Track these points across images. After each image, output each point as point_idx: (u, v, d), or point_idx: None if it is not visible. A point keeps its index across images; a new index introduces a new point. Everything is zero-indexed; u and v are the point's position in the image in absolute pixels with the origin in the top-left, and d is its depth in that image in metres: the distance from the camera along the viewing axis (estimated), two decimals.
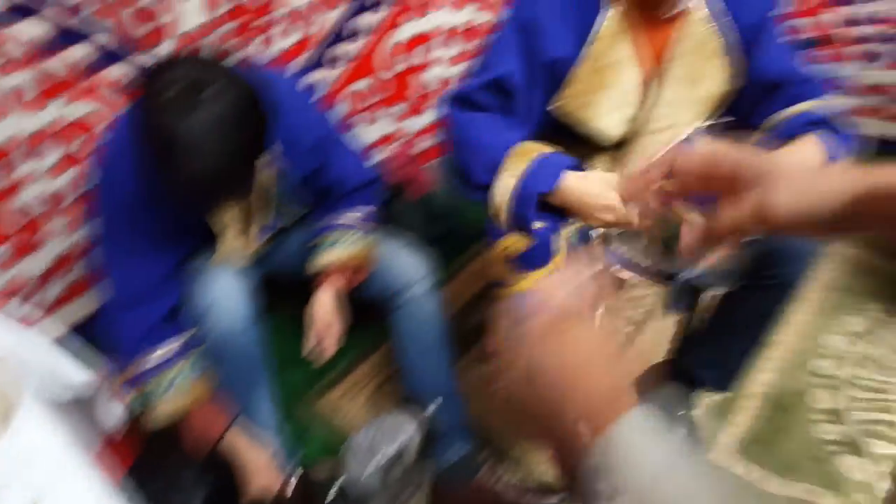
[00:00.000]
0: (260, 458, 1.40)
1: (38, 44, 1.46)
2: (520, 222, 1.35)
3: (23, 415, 0.93)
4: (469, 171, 1.37)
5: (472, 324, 1.62)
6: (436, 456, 1.55)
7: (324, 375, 1.89)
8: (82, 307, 1.88)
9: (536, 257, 1.35)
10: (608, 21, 1.30)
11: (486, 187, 1.35)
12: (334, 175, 1.54)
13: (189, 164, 1.07)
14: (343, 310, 1.56)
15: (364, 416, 1.80)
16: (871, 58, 2.53)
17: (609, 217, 1.28)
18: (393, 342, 1.62)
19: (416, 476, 1.45)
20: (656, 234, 1.41)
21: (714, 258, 1.27)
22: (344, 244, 1.54)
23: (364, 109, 2.20)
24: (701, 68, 1.36)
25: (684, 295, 1.38)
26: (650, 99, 1.38)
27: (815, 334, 2.04)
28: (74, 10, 1.48)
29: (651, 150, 1.40)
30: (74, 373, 1.20)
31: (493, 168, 1.34)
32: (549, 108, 1.39)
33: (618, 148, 1.46)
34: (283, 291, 1.76)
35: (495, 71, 1.35)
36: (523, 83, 1.35)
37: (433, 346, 1.60)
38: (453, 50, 2.25)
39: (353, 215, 1.58)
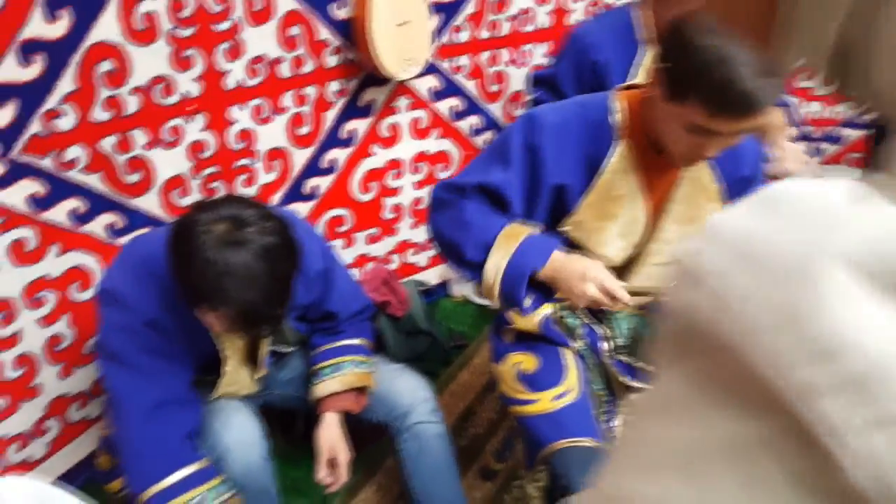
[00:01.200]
0: None
1: (36, 199, 1.52)
2: (510, 299, 1.40)
3: None
4: (461, 248, 1.42)
5: (468, 438, 1.68)
6: None
7: (328, 502, 1.89)
8: (76, 451, 1.85)
9: (548, 375, 1.45)
10: (618, 156, 1.35)
11: (478, 265, 1.40)
12: (333, 303, 1.60)
13: (245, 294, 1.15)
14: (347, 435, 1.59)
15: None
16: None
17: (592, 292, 1.33)
18: (400, 466, 1.65)
19: None
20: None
21: None
22: (345, 370, 1.59)
23: (340, 235, 2.30)
24: (700, 210, 1.43)
25: None
26: (653, 233, 1.45)
27: None
28: (69, 164, 1.56)
29: (648, 280, 1.48)
30: None
31: (485, 246, 1.39)
32: (555, 229, 1.45)
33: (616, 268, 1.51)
34: (277, 418, 1.79)
35: (493, 178, 1.40)
36: (520, 199, 1.41)
37: (442, 468, 1.63)
38: (422, 173, 2.41)
39: (351, 341, 1.64)
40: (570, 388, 1.43)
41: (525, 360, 1.48)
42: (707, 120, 1.18)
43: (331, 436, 1.54)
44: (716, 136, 1.21)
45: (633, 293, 1.35)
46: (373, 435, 1.81)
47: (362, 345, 1.65)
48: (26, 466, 1.75)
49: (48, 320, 1.65)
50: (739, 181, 1.44)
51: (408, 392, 1.64)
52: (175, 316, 1.33)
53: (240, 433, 1.41)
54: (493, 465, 1.95)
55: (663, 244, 1.46)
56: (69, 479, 1.85)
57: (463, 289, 2.66)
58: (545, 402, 1.41)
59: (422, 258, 2.57)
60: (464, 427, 2.09)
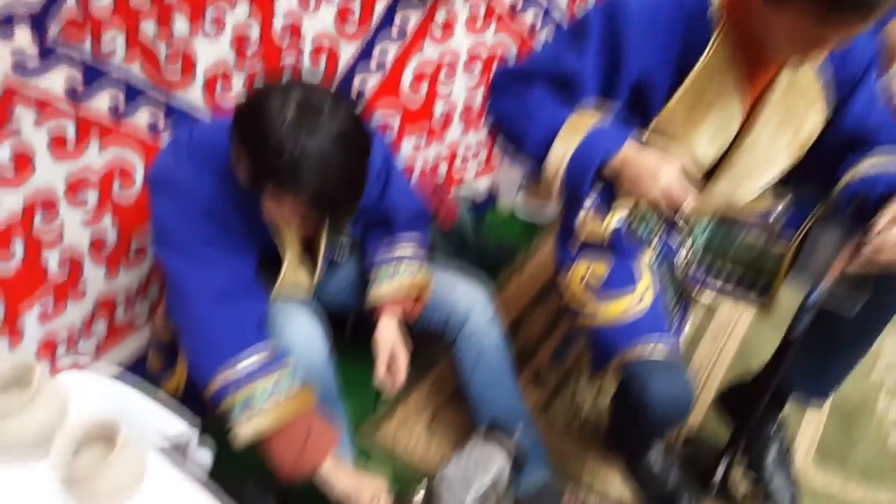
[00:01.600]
0: (366, 489, 1.32)
1: (73, 90, 1.43)
2: (573, 193, 1.32)
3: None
4: (523, 138, 1.33)
5: (515, 351, 1.63)
6: (517, 483, 1.54)
7: (378, 406, 1.87)
8: (125, 354, 1.84)
9: (619, 283, 1.37)
10: (714, 50, 1.22)
11: (540, 156, 1.31)
12: (391, 203, 1.53)
13: (319, 179, 1.09)
14: (405, 339, 1.54)
15: (424, 444, 1.79)
16: None
17: (659, 195, 1.23)
18: (457, 372, 1.61)
19: (505, 501, 1.44)
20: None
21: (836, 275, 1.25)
22: (402, 275, 1.52)
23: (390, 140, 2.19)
24: (797, 114, 1.31)
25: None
26: (744, 137, 1.33)
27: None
28: (108, 55, 1.45)
29: (735, 188, 1.38)
30: (169, 422, 1.17)
31: (550, 135, 1.29)
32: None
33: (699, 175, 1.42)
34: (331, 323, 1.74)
35: (566, 65, 1.28)
36: (595, 90, 1.29)
37: (501, 375, 1.59)
38: (475, 74, 2.26)
39: (407, 245, 1.57)
40: (642, 295, 1.35)
41: (593, 269, 1.40)
42: (815, 23, 1.03)
43: (389, 336, 1.49)
44: (824, 40, 1.07)
45: (712, 205, 1.26)
46: (426, 340, 1.76)
47: (419, 250, 1.58)
48: (75, 369, 1.73)
49: (91, 218, 1.58)
50: (846, 83, 1.30)
51: (466, 299, 1.58)
52: (234, 207, 1.26)
53: (302, 332, 1.35)
54: (545, 372, 1.90)
55: (754, 150, 1.34)
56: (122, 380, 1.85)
57: (511, 202, 2.56)
58: (616, 310, 1.34)
59: (470, 168, 2.45)
60: (512, 341, 2.03)
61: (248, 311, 1.29)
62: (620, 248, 1.38)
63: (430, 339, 1.95)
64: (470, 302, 1.58)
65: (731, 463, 1.59)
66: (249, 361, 1.23)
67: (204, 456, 1.25)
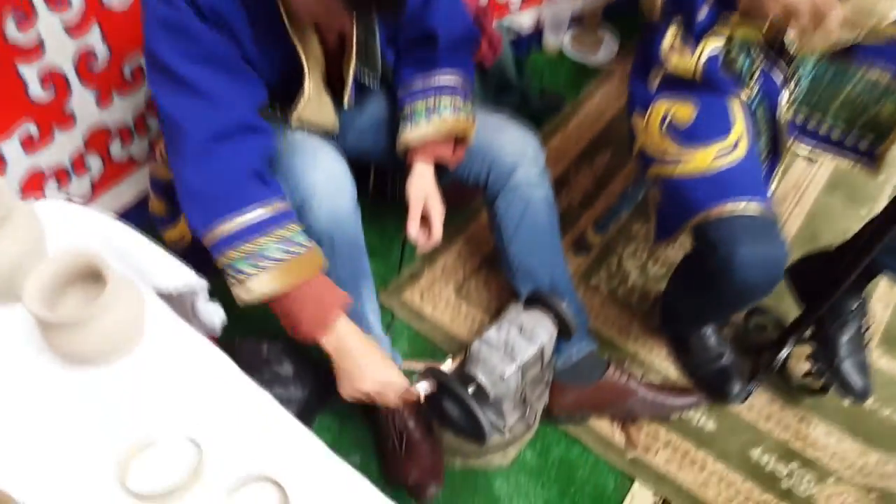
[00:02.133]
0: (378, 356, 1.15)
1: None
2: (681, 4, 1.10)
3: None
4: None
5: (560, 209, 1.43)
6: (560, 354, 1.39)
7: (403, 268, 1.70)
8: (124, 195, 1.65)
9: (709, 127, 1.14)
10: None
11: None
12: (434, 20, 1.25)
13: None
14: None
15: (453, 311, 1.63)
16: None
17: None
18: (496, 231, 1.41)
19: (548, 375, 1.29)
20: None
21: None
22: (443, 111, 1.27)
23: None
24: None
25: None
26: None
27: None
28: None
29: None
30: (173, 269, 0.99)
31: None
32: None
33: None
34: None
35: None
36: None
37: (547, 235, 1.39)
38: None
39: (451, 74, 1.30)
40: (736, 142, 1.12)
41: (678, 109, 1.17)
42: None
43: (424, 186, 1.28)
44: None
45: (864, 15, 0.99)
46: (456, 197, 1.55)
47: (463, 84, 1.32)
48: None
49: (76, 28, 1.34)
50: None
51: (513, 147, 1.35)
52: (243, 10, 1.01)
53: (327, 173, 1.14)
54: (591, 237, 1.70)
55: None
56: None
57: (559, 40, 2.26)
58: (703, 159, 1.12)
59: None
60: (557, 197, 1.83)
61: (248, 157, 1.06)
62: (713, 84, 1.14)
63: (463, 196, 1.77)
64: (519, 149, 1.35)
65: (797, 342, 1.43)
66: (249, 217, 1.02)
67: (215, 311, 1.09)
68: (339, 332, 1.07)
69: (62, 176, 1.50)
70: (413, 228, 1.27)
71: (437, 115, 1.27)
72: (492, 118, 1.39)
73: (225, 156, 1.02)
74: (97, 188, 1.60)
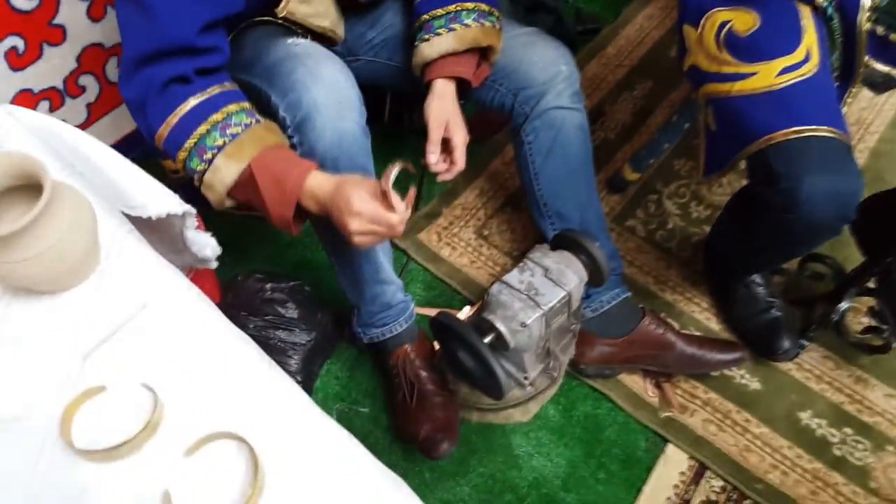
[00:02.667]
0: (348, 192, 0.92)
1: None
2: None
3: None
4: None
5: (595, 143, 1.27)
6: (590, 301, 1.26)
7: (420, 204, 1.56)
8: (123, 121, 1.53)
9: (773, 37, 0.97)
10: None
11: None
12: None
13: None
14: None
15: (473, 252, 1.50)
16: None
17: None
18: (522, 162, 1.26)
19: (575, 324, 1.16)
20: None
21: None
22: (465, 21, 1.10)
23: None
24: None
25: None
26: None
27: None
28: None
29: None
30: (154, 193, 0.87)
31: None
32: None
33: None
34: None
35: None
36: None
37: (580, 167, 1.24)
38: None
39: None
40: (806, 56, 0.95)
41: (737, 18, 1.00)
42: None
43: (445, 108, 1.12)
44: None
45: None
46: (478, 127, 1.40)
47: None
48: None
49: None
50: None
51: (545, 65, 1.19)
52: None
53: (329, 87, 1.00)
54: (627, 174, 1.54)
55: None
56: (119, 152, 1.55)
57: None
58: (767, 75, 0.96)
59: None
60: (591, 130, 1.67)
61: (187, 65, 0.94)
62: None
63: (486, 126, 1.62)
64: (551, 67, 1.19)
65: (858, 294, 1.27)
66: (184, 108, 0.93)
67: (206, 241, 0.97)
68: (309, 196, 0.94)
69: (55, 97, 1.39)
70: (434, 155, 1.12)
71: (458, 24, 1.10)
72: (521, 32, 1.23)
73: (145, 80, 0.92)
74: (94, 112, 1.48)
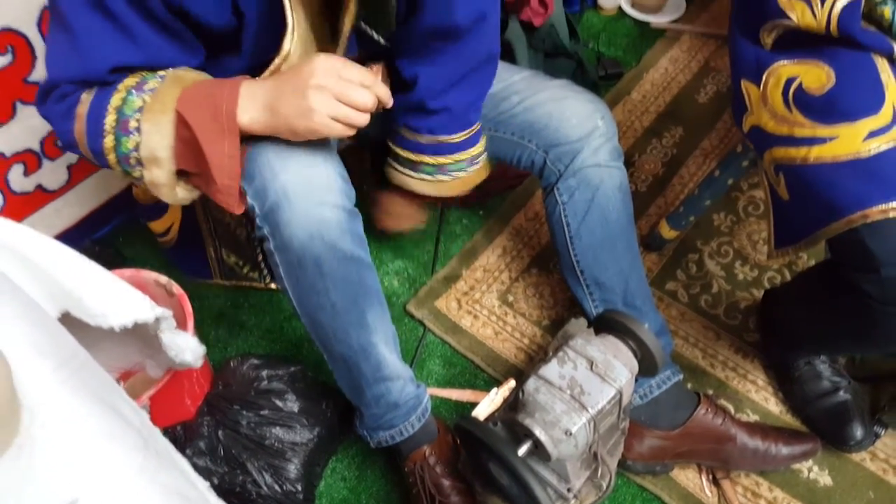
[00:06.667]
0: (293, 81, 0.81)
1: None
2: None
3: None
4: None
5: None
6: (638, 385, 1.10)
7: (438, 266, 1.41)
8: (106, 183, 1.40)
9: (853, 95, 0.82)
10: None
11: None
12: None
13: None
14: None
15: (498, 321, 1.35)
16: None
17: None
18: (555, 226, 1.13)
19: (624, 419, 1.00)
20: None
21: None
22: (455, 173, 1.05)
23: None
24: None
25: None
26: None
27: None
28: None
29: None
30: (124, 299, 0.73)
31: None
32: None
33: None
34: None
35: None
36: None
37: (620, 233, 1.10)
38: None
39: (456, 136, 1.01)
40: (894, 117, 0.81)
41: (806, 74, 0.86)
42: None
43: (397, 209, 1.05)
44: None
45: None
46: (498, 179, 1.27)
47: (475, 129, 1.04)
48: (41, 198, 1.30)
49: None
50: None
51: (579, 121, 1.07)
52: None
53: (304, 166, 0.85)
54: (665, 232, 1.40)
55: None
56: (103, 217, 1.43)
57: None
58: (852, 140, 0.81)
59: None
60: None
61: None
62: (855, 33, 0.83)
63: (507, 177, 1.48)
64: (587, 124, 1.06)
65: None
66: (91, 94, 0.81)
67: (186, 344, 0.82)
68: (249, 100, 0.80)
69: (30, 160, 1.26)
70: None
71: (446, 176, 1.05)
72: (550, 85, 1.10)
73: (57, 95, 0.82)
74: (76, 173, 1.35)
